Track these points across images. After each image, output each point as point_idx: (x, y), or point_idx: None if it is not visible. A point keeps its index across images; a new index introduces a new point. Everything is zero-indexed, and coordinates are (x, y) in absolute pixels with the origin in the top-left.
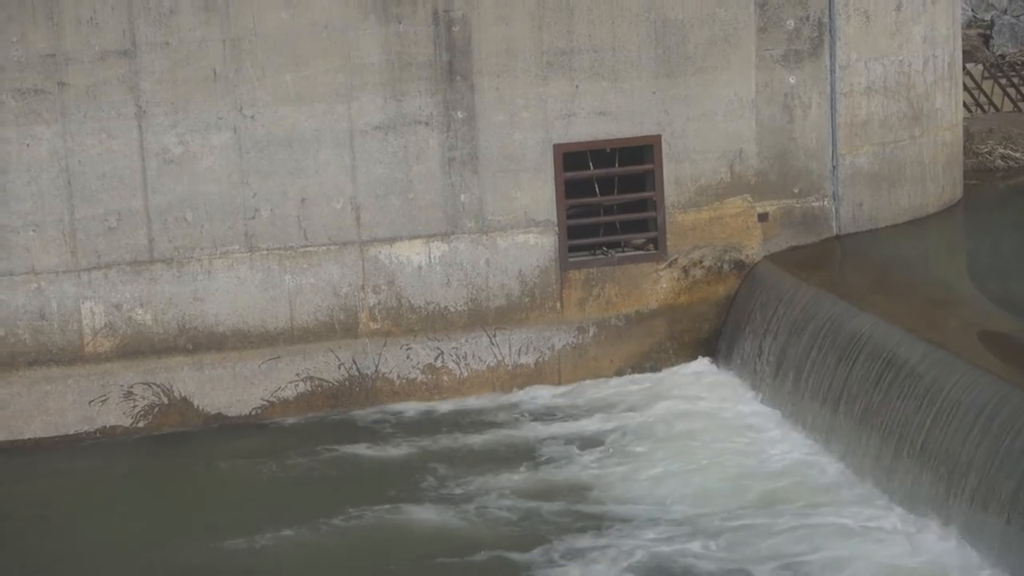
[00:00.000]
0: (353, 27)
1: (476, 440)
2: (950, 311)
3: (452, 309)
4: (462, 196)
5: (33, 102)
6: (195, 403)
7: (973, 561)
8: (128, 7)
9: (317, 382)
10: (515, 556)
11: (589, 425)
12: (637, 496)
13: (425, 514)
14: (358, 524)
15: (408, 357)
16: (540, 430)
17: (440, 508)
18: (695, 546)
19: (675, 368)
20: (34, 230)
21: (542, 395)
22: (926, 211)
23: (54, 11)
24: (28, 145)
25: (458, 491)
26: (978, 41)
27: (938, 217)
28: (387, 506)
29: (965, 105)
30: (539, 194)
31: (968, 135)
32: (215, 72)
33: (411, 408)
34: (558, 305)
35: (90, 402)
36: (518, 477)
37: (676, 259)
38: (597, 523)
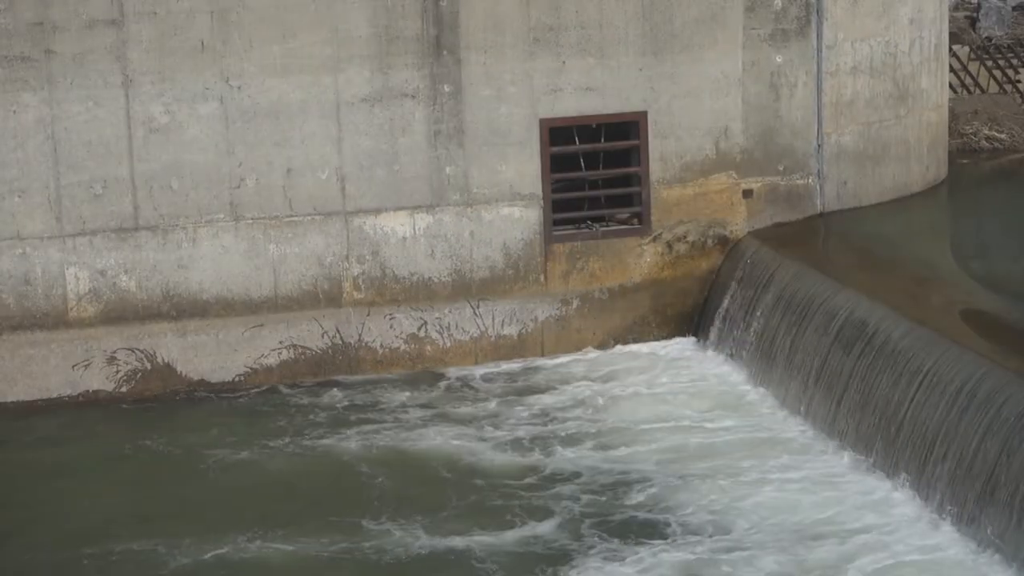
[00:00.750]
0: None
1: None
2: (932, 289)
3: (436, 280)
4: (447, 169)
5: (20, 69)
6: (178, 370)
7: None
8: None
9: (300, 350)
10: None
11: None
12: None
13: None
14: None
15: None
16: None
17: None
18: None
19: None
20: (20, 196)
21: None
22: (910, 190)
23: None
24: (14, 112)
25: None
26: (965, 23)
27: (922, 196)
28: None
29: (951, 87)
30: (524, 168)
31: (954, 116)
32: (203, 43)
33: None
34: (542, 278)
35: (73, 366)
36: None
37: (660, 234)
38: None
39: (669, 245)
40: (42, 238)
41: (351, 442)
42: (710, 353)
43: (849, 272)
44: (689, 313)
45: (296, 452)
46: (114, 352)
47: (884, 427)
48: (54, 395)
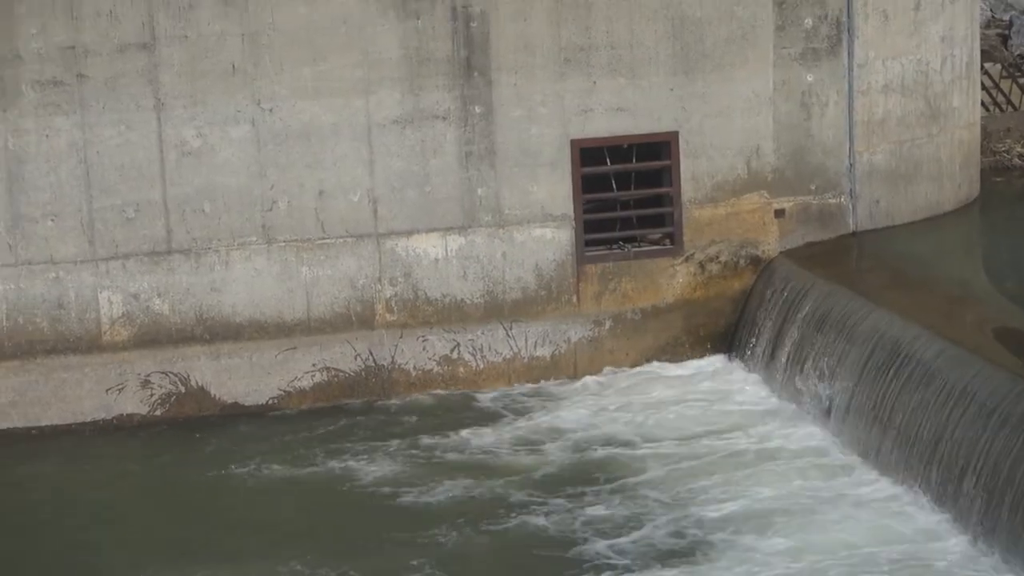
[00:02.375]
0: (371, 22)
1: None
2: (966, 307)
3: (468, 301)
4: (479, 190)
5: (52, 93)
6: (212, 393)
7: None
8: (148, 1)
9: (333, 373)
10: None
11: None
12: None
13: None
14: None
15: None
16: None
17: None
18: None
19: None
20: (53, 220)
21: None
22: (943, 208)
23: (74, 4)
24: (47, 136)
25: None
26: (996, 41)
27: (955, 215)
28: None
29: (983, 104)
30: (556, 189)
31: (986, 134)
32: (234, 66)
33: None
34: (574, 299)
35: (107, 390)
36: None
37: (692, 254)
38: None
39: (701, 265)
40: (75, 262)
41: (378, 466)
42: (743, 373)
43: (882, 291)
44: (722, 333)
45: (324, 477)
46: (148, 375)
47: (917, 447)
48: (88, 419)
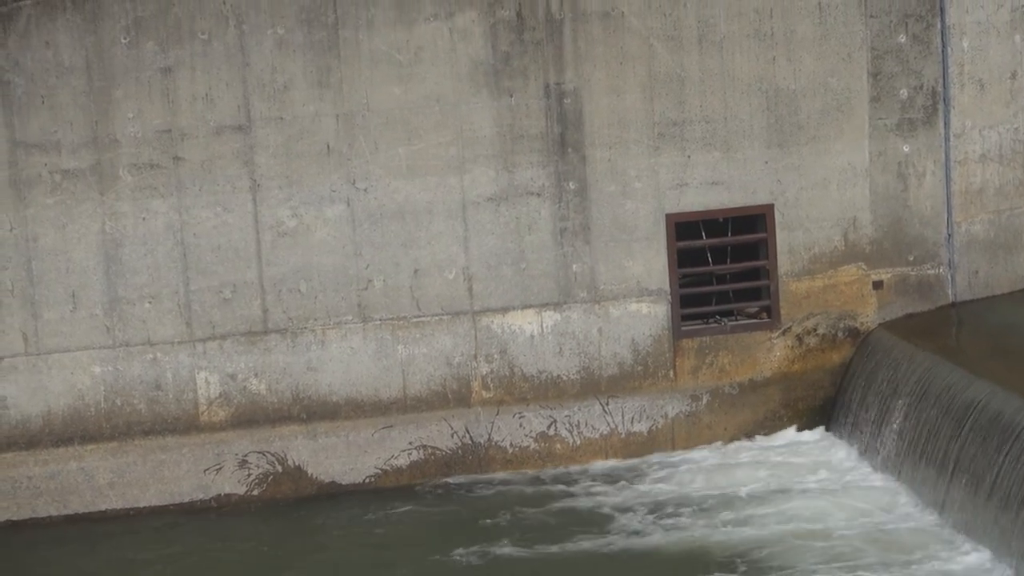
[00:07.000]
0: (465, 101)
1: None
2: None
3: (565, 377)
4: (574, 266)
5: (149, 176)
6: (309, 472)
7: None
8: (243, 83)
9: (430, 451)
10: None
11: None
12: None
13: None
14: None
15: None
16: None
17: None
18: None
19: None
20: (150, 302)
21: None
22: None
23: (170, 88)
24: (144, 219)
25: None
26: None
27: None
28: None
29: None
30: (651, 264)
31: None
32: (328, 146)
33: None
34: (671, 373)
35: (205, 471)
36: None
37: (790, 327)
38: None
39: (799, 338)
40: (172, 343)
41: (481, 544)
42: (842, 446)
43: (983, 362)
44: (821, 407)
45: (426, 556)
46: (245, 456)
47: None
48: (186, 499)
